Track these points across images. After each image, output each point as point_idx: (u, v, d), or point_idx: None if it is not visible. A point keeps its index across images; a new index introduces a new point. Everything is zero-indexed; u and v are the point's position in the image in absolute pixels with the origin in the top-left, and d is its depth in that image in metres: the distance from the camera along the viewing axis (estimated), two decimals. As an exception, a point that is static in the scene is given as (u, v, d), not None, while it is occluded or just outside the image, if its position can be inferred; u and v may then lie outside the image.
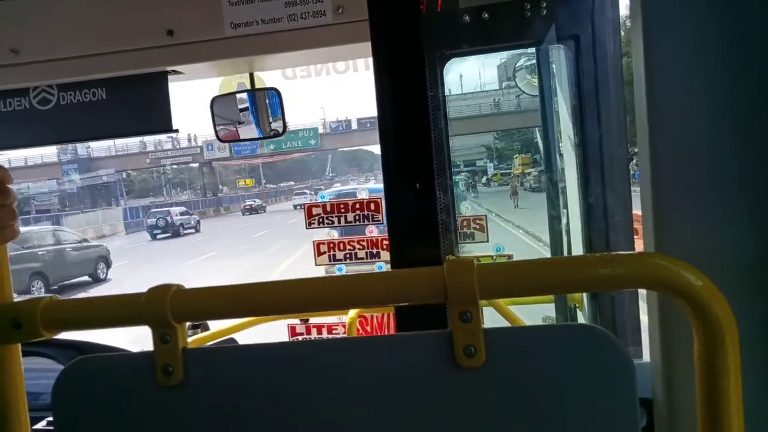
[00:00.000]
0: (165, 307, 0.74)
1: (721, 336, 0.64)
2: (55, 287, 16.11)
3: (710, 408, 0.65)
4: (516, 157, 25.24)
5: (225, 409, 0.77)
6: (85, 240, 19.59)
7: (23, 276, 14.86)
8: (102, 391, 0.79)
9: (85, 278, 17.63)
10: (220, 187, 66.91)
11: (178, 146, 54.80)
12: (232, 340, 2.61)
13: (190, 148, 55.61)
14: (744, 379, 0.65)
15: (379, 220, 3.51)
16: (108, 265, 18.48)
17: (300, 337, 3.57)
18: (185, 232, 33.81)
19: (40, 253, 16.20)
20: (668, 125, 0.83)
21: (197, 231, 34.75)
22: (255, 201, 51.49)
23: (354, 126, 55.39)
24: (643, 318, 1.20)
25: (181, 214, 35.65)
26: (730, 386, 0.64)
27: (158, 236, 32.69)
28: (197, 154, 55.70)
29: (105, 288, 16.66)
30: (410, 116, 1.00)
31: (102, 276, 18.01)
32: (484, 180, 28.27)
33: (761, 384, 0.80)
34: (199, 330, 2.54)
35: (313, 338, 3.56)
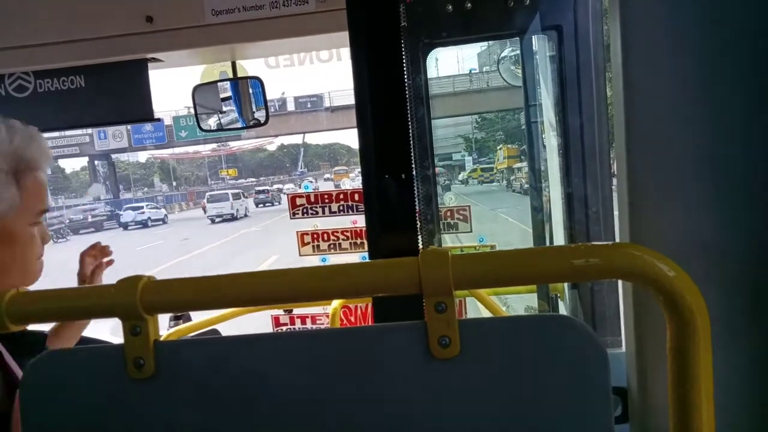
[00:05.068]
0: (135, 299, 0.73)
1: (693, 326, 0.64)
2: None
3: (682, 396, 0.66)
4: (501, 148, 20.54)
5: (198, 401, 0.76)
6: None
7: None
8: (70, 385, 0.78)
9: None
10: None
11: (62, 134, 40.44)
12: (215, 331, 2.59)
13: (77, 136, 42.69)
14: (714, 369, 0.65)
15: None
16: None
17: (284, 327, 3.56)
18: None
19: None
20: (645, 116, 0.83)
21: None
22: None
23: (290, 106, 39.97)
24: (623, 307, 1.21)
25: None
26: (701, 375, 0.65)
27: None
28: (86, 144, 43.19)
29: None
30: (388, 105, 0.98)
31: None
32: (461, 177, 23.40)
33: (731, 373, 0.81)
34: (181, 321, 2.52)
35: (297, 328, 3.55)
